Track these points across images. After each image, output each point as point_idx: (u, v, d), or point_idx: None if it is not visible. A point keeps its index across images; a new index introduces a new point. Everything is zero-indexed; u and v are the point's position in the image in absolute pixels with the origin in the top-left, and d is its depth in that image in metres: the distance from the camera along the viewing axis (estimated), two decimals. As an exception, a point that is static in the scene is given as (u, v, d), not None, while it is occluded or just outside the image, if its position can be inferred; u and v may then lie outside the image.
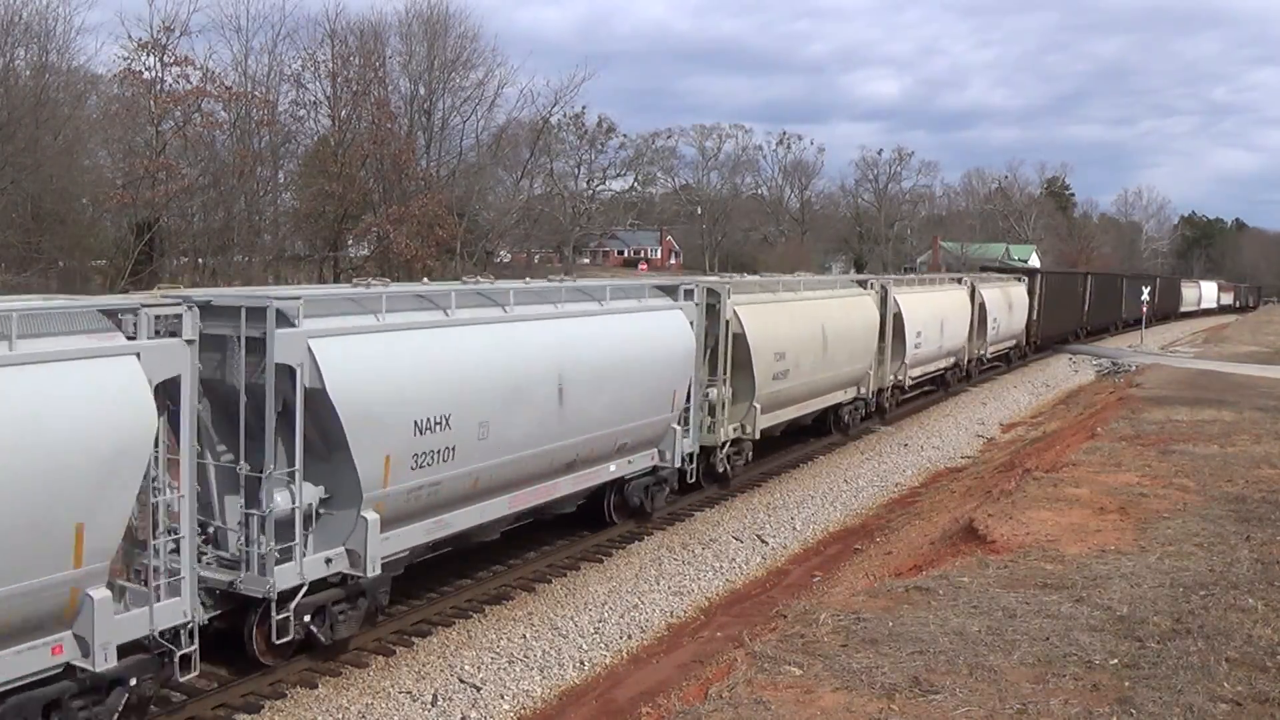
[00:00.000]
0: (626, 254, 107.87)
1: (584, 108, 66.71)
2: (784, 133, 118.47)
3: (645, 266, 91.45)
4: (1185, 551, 13.62)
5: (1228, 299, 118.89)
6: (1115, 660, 9.94)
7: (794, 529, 19.84)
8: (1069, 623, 10.94)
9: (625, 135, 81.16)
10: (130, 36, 39.33)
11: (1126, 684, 9.39)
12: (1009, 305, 41.95)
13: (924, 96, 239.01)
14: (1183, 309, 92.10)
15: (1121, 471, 18.85)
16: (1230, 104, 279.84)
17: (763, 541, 18.81)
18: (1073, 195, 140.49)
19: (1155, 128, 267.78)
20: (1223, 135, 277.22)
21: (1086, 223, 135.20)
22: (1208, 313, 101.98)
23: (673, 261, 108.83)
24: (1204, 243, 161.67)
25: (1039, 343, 49.39)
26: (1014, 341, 44.72)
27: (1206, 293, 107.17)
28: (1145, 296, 68.92)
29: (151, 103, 38.77)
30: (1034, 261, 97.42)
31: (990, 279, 42.58)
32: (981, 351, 38.87)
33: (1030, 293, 46.53)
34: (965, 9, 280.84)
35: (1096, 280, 64.09)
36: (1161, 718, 8.78)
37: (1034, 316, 47.17)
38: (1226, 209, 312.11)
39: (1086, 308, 60.05)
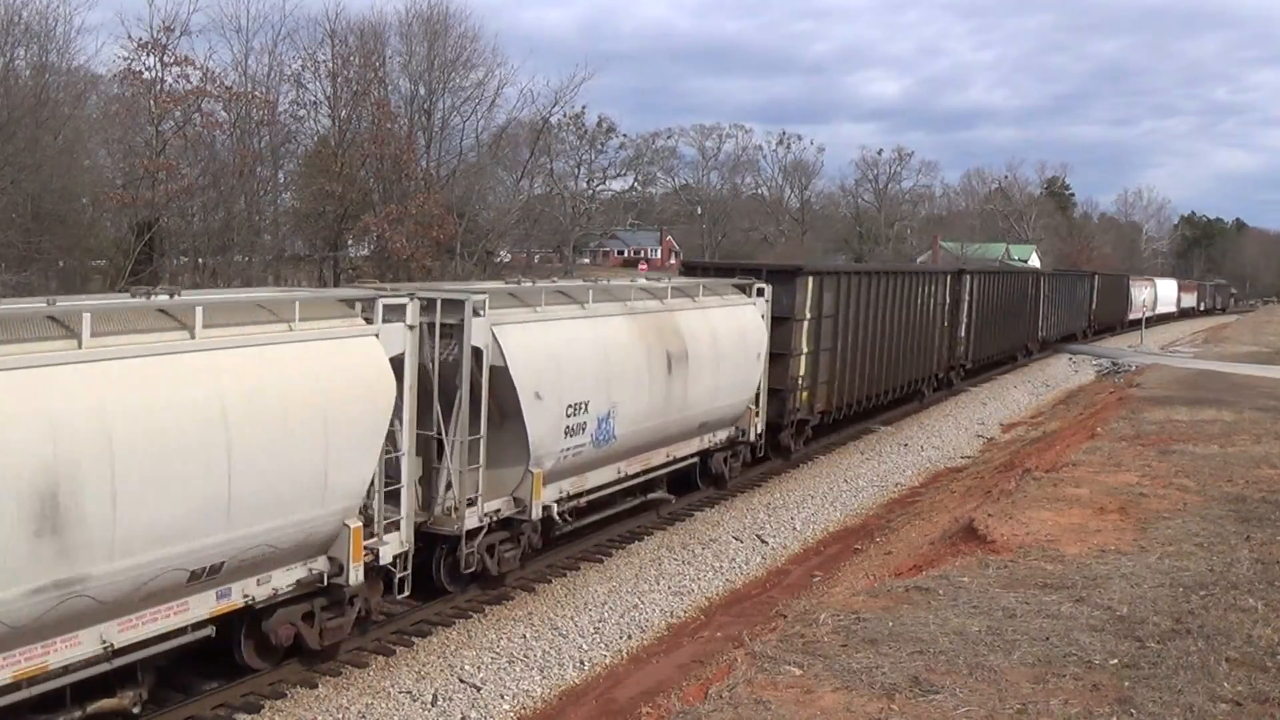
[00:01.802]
0: (626, 254, 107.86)
1: (584, 107, 66.66)
2: (784, 133, 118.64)
3: (645, 266, 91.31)
4: (1185, 551, 13.63)
5: (1190, 300, 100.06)
6: (1115, 660, 9.94)
7: (794, 529, 19.83)
8: (1069, 623, 10.94)
9: (625, 135, 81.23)
10: (130, 36, 39.26)
11: (1126, 684, 9.39)
12: (667, 359, 17.46)
13: (925, 97, 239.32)
14: (1131, 316, 73.66)
15: (1121, 471, 18.86)
16: (1231, 104, 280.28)
17: (763, 541, 18.82)
18: (1073, 195, 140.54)
19: (1156, 128, 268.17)
20: (1223, 135, 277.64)
21: (1086, 223, 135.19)
22: (1165, 319, 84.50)
23: (673, 261, 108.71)
24: (1204, 243, 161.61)
25: (834, 417, 26.01)
26: (711, 442, 20.01)
27: (1164, 293, 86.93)
28: (1145, 297, 61.46)
29: (151, 103, 38.72)
30: (1034, 262, 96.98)
31: (562, 300, 16.05)
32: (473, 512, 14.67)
33: (795, 317, 23.11)
34: (965, 10, 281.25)
35: (980, 284, 37.89)
36: (1161, 718, 8.78)
37: (802, 371, 23.63)
38: (1227, 209, 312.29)
39: (964, 332, 35.62)
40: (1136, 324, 71.51)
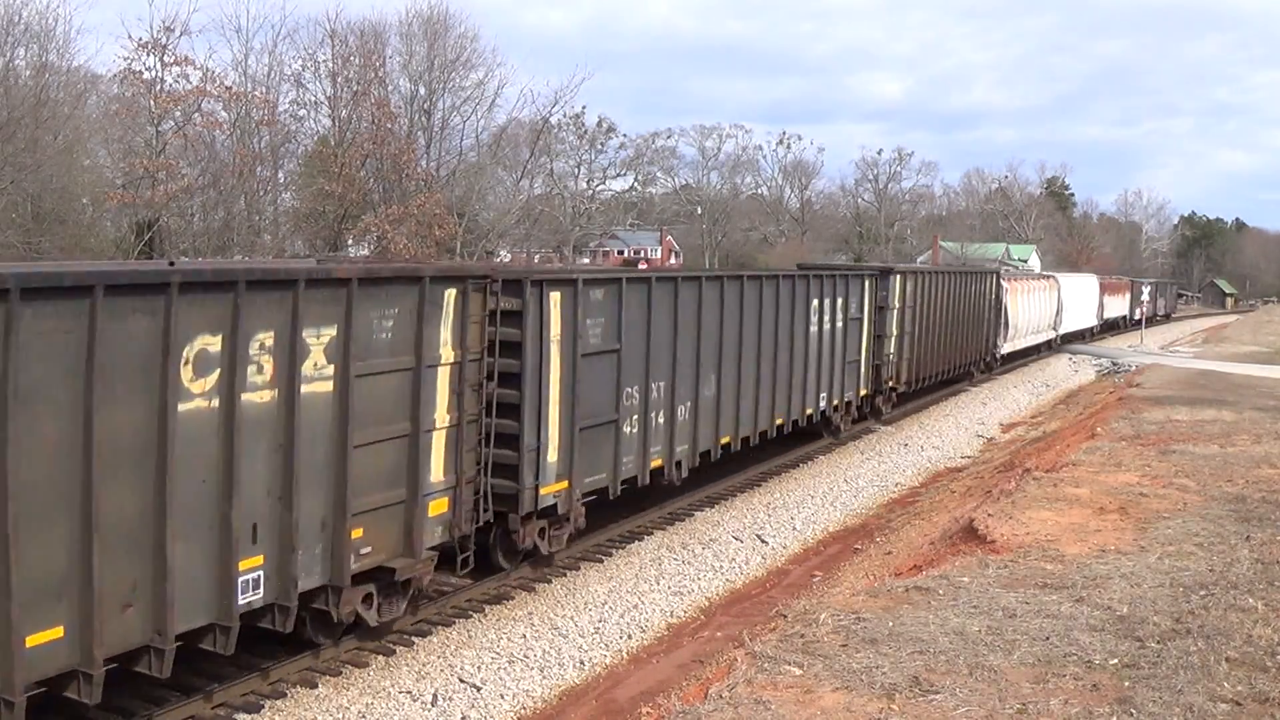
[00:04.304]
0: (626, 254, 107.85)
1: (584, 107, 66.90)
2: (784, 133, 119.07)
3: (646, 266, 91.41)
4: (1185, 551, 13.62)
5: (1120, 308, 68.72)
6: (1115, 660, 9.94)
7: (794, 529, 19.84)
8: (1069, 623, 10.93)
9: (625, 135, 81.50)
10: (130, 36, 39.60)
11: (1126, 684, 9.38)
12: None
13: (926, 97, 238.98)
14: (1007, 347, 42.49)
15: (1121, 471, 18.85)
16: (1233, 104, 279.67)
17: (763, 541, 18.82)
18: (1073, 195, 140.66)
19: (1157, 128, 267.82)
20: (1225, 136, 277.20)
21: (1086, 223, 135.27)
22: (1079, 338, 57.28)
23: (673, 261, 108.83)
24: (1204, 243, 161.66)
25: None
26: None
27: (1074, 299, 54.57)
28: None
29: (151, 103, 38.81)
30: (1034, 262, 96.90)
31: None
32: None
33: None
34: (967, 10, 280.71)
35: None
36: (1161, 718, 8.78)
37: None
38: (1227, 209, 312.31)
39: None
40: (1016, 357, 45.33)
